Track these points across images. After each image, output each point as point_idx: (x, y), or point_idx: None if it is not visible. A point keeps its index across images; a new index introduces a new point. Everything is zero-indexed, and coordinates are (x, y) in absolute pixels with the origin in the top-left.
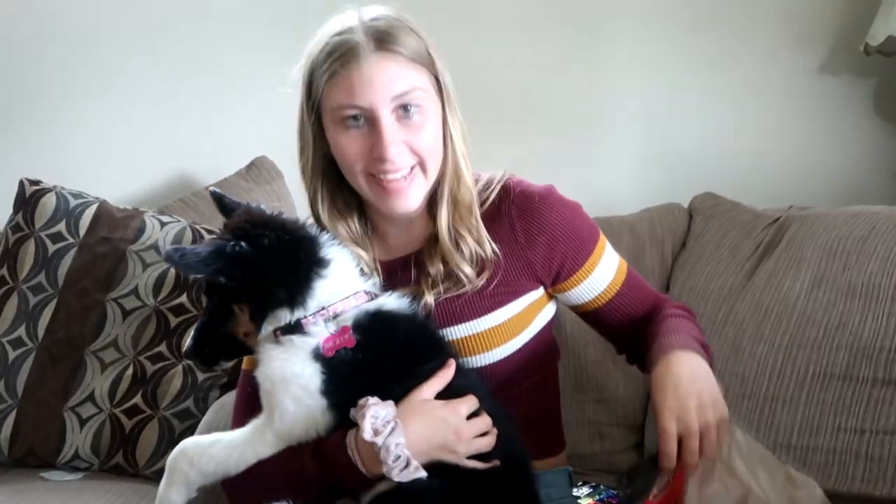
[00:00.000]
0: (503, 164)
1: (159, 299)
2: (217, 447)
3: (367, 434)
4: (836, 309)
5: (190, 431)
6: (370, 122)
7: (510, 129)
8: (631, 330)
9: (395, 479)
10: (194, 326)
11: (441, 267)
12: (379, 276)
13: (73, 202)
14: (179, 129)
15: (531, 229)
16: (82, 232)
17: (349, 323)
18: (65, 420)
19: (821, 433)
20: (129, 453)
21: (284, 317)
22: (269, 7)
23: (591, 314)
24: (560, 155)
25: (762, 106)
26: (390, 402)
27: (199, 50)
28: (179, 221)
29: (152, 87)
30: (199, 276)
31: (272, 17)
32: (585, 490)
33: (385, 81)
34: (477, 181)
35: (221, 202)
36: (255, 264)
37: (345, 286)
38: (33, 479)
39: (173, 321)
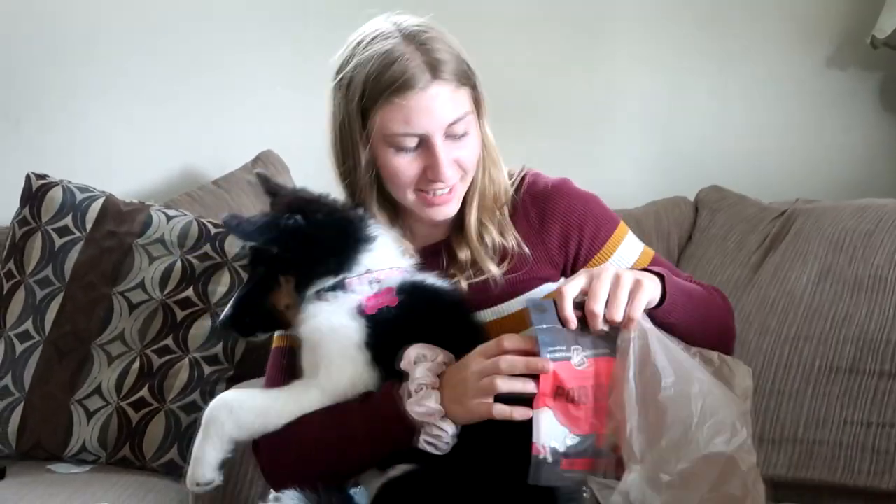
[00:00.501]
0: (505, 163)
1: (166, 293)
2: (258, 398)
3: (405, 361)
4: (843, 302)
5: (197, 424)
6: (422, 144)
7: (510, 128)
8: None
9: (415, 415)
10: (233, 297)
11: (469, 254)
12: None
13: (79, 196)
14: (184, 125)
15: (545, 215)
16: (89, 226)
17: (393, 285)
18: (72, 413)
19: (827, 426)
20: (136, 446)
21: (335, 278)
22: (269, 6)
23: None
24: (562, 154)
25: (768, 100)
26: (444, 351)
27: (201, 47)
28: (185, 215)
29: (156, 83)
30: (253, 244)
31: (272, 17)
32: None
33: (441, 110)
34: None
35: (267, 183)
36: (308, 237)
37: (389, 260)
38: (41, 471)
39: (180, 314)
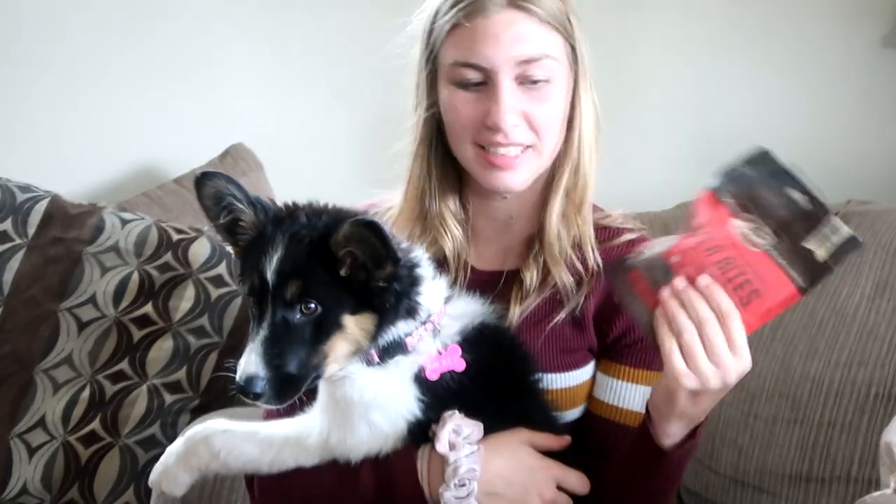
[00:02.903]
0: None
1: (120, 309)
2: (251, 443)
3: (443, 446)
4: None
5: (155, 462)
6: (488, 84)
7: None
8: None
9: (444, 501)
10: (252, 351)
11: (535, 274)
12: (466, 277)
13: (20, 197)
14: (141, 116)
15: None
16: (31, 231)
17: (457, 339)
18: (11, 449)
19: None
20: (86, 487)
21: (398, 330)
22: None
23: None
24: None
25: (813, 87)
26: (479, 424)
27: (163, 28)
28: (143, 219)
29: (111, 68)
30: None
31: None
32: None
33: (512, 40)
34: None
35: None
36: (412, 265)
37: (436, 290)
38: None
39: (136, 334)
